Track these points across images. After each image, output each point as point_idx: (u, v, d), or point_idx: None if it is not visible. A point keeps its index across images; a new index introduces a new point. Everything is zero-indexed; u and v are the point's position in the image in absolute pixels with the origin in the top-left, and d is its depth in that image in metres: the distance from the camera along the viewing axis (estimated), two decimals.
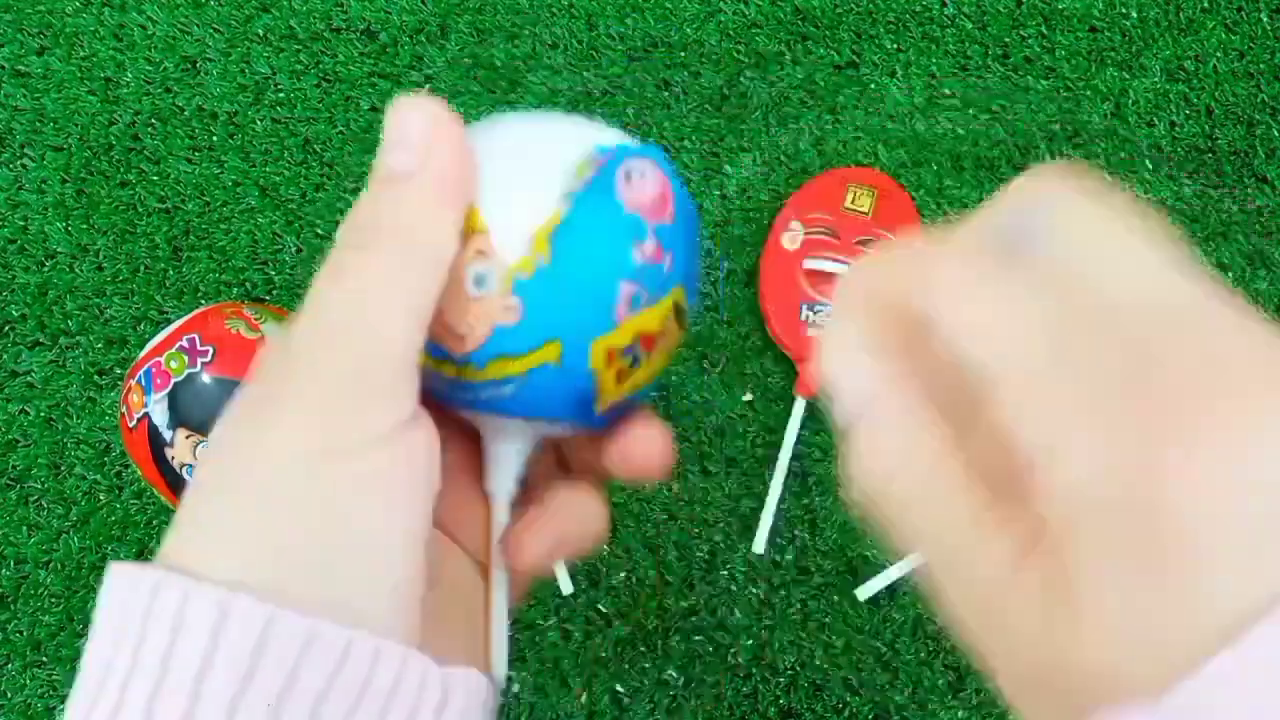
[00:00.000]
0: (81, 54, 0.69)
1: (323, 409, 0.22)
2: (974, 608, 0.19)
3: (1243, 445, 0.16)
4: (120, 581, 0.22)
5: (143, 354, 0.55)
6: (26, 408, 0.63)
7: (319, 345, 0.22)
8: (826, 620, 0.60)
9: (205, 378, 0.53)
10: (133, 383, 0.54)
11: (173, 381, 0.53)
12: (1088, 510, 0.17)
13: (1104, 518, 0.16)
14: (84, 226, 0.66)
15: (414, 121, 0.24)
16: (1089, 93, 0.67)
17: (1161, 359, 0.17)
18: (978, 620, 0.19)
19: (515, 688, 0.59)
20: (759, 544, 0.61)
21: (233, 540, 0.22)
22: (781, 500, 0.61)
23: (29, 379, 0.64)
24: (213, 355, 0.54)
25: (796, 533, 0.61)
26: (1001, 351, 0.18)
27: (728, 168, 0.66)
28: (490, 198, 0.24)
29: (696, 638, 0.60)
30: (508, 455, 0.27)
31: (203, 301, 0.65)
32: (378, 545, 0.22)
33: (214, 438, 0.23)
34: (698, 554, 0.61)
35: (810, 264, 0.63)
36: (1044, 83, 0.67)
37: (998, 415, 0.18)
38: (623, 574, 0.60)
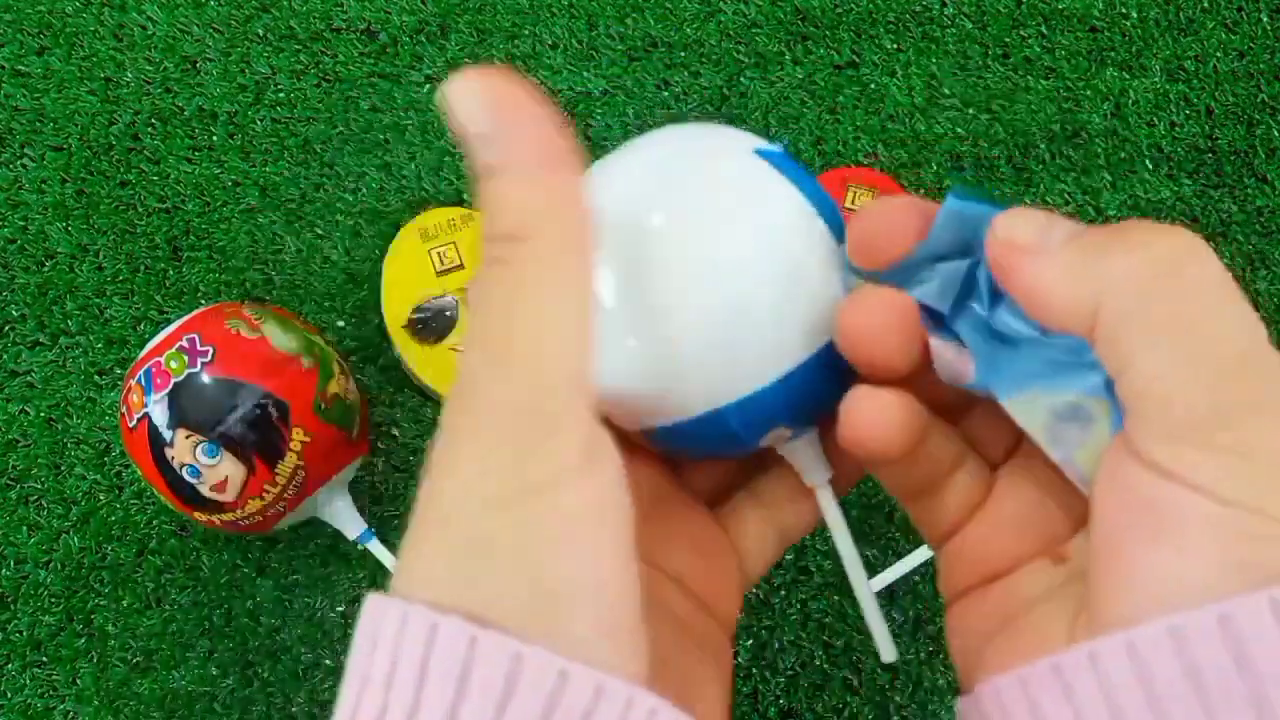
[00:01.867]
0: (81, 54, 0.69)
1: (502, 447, 0.20)
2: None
3: None
4: (374, 611, 0.21)
5: (143, 354, 0.55)
6: (26, 408, 0.63)
7: (487, 377, 0.21)
8: (826, 620, 0.60)
9: (205, 378, 0.53)
10: (133, 383, 0.54)
11: (173, 381, 0.53)
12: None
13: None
14: (84, 226, 0.66)
15: (474, 102, 0.22)
16: (1089, 93, 0.67)
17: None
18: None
19: None
20: None
21: (445, 589, 0.20)
22: None
23: (29, 379, 0.64)
24: (213, 355, 0.54)
25: None
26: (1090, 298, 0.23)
27: None
28: None
29: None
30: (791, 454, 0.30)
31: (203, 301, 0.65)
32: (588, 584, 0.20)
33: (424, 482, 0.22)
34: None
35: None
36: (1044, 83, 0.67)
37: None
38: None
